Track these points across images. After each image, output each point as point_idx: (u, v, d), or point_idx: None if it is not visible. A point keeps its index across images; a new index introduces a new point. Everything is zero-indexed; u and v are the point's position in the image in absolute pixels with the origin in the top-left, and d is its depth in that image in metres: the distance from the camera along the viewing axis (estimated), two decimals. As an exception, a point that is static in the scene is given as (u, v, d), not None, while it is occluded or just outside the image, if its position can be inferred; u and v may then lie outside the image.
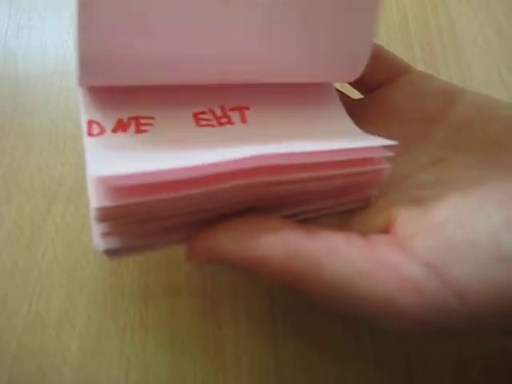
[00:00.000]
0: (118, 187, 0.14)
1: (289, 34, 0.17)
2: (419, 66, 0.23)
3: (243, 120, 0.19)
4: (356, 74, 0.20)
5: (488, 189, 0.16)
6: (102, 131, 0.17)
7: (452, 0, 0.35)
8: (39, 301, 0.22)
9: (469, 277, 0.14)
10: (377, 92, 0.23)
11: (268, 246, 0.15)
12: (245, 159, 0.15)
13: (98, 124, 0.17)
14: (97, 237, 0.15)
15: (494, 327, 0.14)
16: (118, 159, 0.15)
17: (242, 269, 0.15)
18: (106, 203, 0.14)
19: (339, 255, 0.15)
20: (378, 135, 0.18)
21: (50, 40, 0.30)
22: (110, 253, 0.16)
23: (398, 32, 0.33)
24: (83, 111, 0.17)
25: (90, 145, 0.16)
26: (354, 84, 0.23)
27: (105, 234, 0.15)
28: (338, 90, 0.22)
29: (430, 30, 0.34)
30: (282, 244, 0.15)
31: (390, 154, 0.17)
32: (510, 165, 0.17)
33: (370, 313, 0.15)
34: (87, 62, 0.15)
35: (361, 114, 0.21)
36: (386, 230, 0.17)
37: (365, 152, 0.17)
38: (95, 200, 0.14)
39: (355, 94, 0.24)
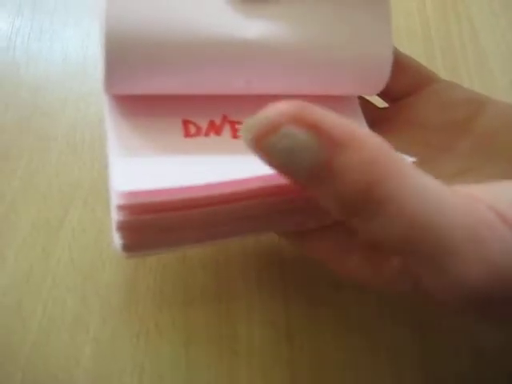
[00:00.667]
0: (139, 204, 0.14)
1: (314, 49, 0.18)
2: (441, 74, 0.23)
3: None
4: (379, 87, 0.20)
5: None
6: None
7: (475, 8, 0.35)
8: (54, 305, 0.22)
9: None
10: (402, 101, 0.23)
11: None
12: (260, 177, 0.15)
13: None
14: (116, 234, 0.15)
15: None
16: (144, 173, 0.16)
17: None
18: (127, 217, 0.14)
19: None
20: (401, 148, 0.18)
21: (72, 44, 0.30)
22: (127, 248, 0.16)
23: (421, 40, 0.33)
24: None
25: (118, 156, 0.16)
26: (380, 93, 0.23)
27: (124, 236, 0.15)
28: (363, 98, 0.22)
29: (452, 38, 0.33)
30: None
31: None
32: None
33: (442, 247, 0.12)
34: (113, 66, 0.15)
35: (386, 123, 0.21)
36: None
37: None
38: (117, 213, 0.14)
39: (380, 103, 0.24)
